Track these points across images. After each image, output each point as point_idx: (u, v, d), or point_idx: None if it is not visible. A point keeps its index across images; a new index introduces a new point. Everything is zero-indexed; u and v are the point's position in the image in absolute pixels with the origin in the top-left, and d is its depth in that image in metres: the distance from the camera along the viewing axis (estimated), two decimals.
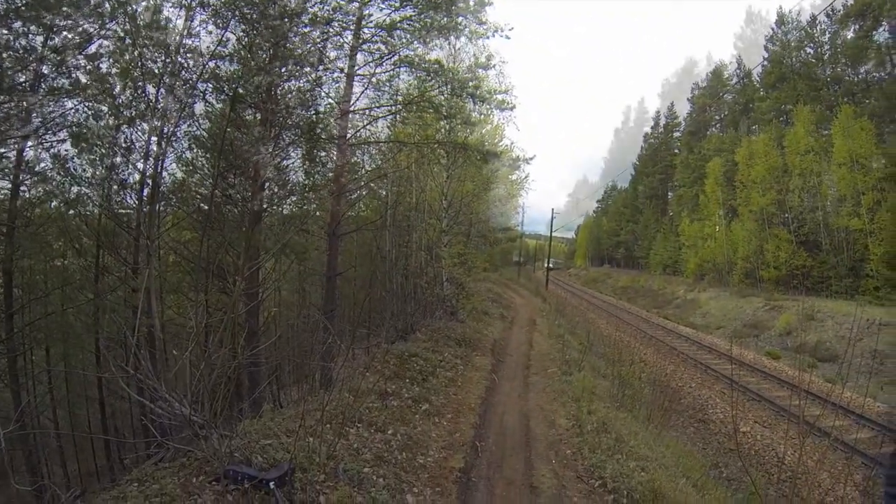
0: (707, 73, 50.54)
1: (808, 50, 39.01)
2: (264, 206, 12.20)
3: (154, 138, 10.68)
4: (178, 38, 10.75)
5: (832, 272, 32.12)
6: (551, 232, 47.16)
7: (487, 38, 13.76)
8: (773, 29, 42.14)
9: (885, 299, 27.18)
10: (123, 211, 11.04)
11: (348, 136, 13.18)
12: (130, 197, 10.93)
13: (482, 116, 16.56)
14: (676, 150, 61.17)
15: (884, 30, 31.43)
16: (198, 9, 11.00)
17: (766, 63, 42.04)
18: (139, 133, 10.74)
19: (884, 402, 15.23)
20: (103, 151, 10.38)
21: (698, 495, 6.59)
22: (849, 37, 34.70)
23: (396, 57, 13.00)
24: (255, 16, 11.10)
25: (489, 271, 37.48)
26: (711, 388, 17.08)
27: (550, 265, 59.88)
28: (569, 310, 29.38)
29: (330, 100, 13.30)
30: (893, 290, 27.27)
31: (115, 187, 10.72)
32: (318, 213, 15.43)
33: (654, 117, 69.02)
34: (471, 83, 13.69)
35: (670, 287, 48.03)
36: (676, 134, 63.43)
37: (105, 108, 10.37)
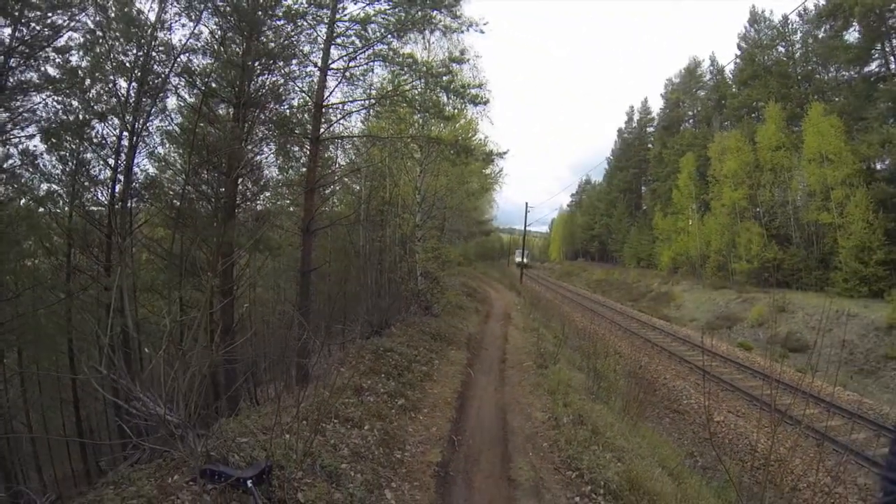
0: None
1: (780, 48, 39.69)
2: (238, 201, 12.08)
3: (125, 133, 10.50)
4: (149, 30, 10.58)
5: (802, 265, 32.84)
6: (525, 226, 47.34)
7: (462, 32, 13.74)
8: (745, 27, 42.81)
9: (853, 291, 27.91)
10: (95, 208, 10.85)
11: (322, 130, 13.07)
12: (102, 194, 10.76)
13: (456, 111, 16.53)
14: (650, 145, 61.80)
15: (854, 30, 32.09)
16: (170, 1, 10.84)
17: (738, 60, 42.74)
18: (110, 128, 10.56)
19: None
20: (73, 147, 10.20)
21: (674, 484, 6.70)
22: (820, 36, 35.37)
23: (370, 51, 12.92)
24: (228, 8, 10.97)
25: (464, 265, 37.56)
26: (686, 378, 17.36)
27: (525, 261, 59.51)
28: (543, 303, 29.64)
29: (303, 94, 13.21)
30: (861, 283, 27.99)
31: (86, 184, 10.54)
32: (291, 209, 15.33)
33: (628, 112, 69.70)
34: (444, 77, 13.66)
35: (644, 280, 48.70)
36: (650, 129, 64.09)
37: (75, 103, 10.19)
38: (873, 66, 31.68)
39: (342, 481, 4.70)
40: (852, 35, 32.50)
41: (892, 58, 30.27)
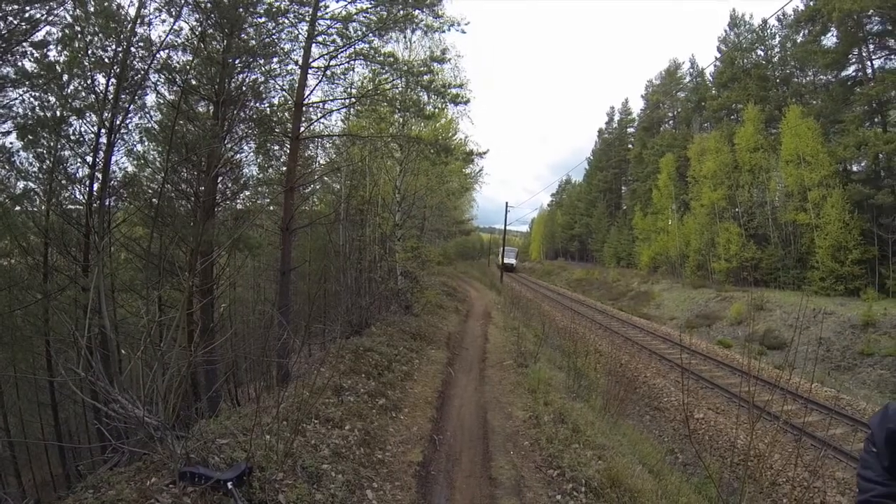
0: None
1: (759, 52, 40.30)
2: (217, 200, 11.97)
3: (103, 131, 10.34)
4: (129, 26, 10.42)
5: (780, 264, 33.40)
6: (505, 225, 47.47)
7: (443, 31, 13.79)
8: (725, 31, 43.35)
9: (829, 289, 28.45)
10: (72, 207, 10.67)
11: (302, 129, 13.02)
12: (79, 192, 10.58)
13: (436, 110, 16.55)
14: (630, 146, 62.34)
15: (832, 35, 32.65)
16: None
17: (718, 63, 43.26)
18: (88, 125, 10.39)
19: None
20: (50, 144, 10.02)
21: (655, 481, 6.76)
22: (799, 40, 35.99)
23: (352, 49, 12.89)
24: (208, 5, 10.86)
25: (444, 265, 37.52)
26: (666, 376, 17.53)
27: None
28: (524, 302, 29.74)
29: (284, 92, 13.15)
30: (837, 281, 28.53)
31: (64, 182, 10.36)
32: (271, 208, 15.24)
33: (609, 113, 70.39)
34: (425, 77, 13.67)
35: (624, 279, 49.14)
36: (630, 130, 64.68)
37: (52, 99, 10.01)
38: (850, 71, 32.36)
39: (323, 482, 4.69)
40: (830, 40, 33.18)
41: (868, 62, 30.89)
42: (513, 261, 66.46)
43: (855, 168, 31.64)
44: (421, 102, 14.36)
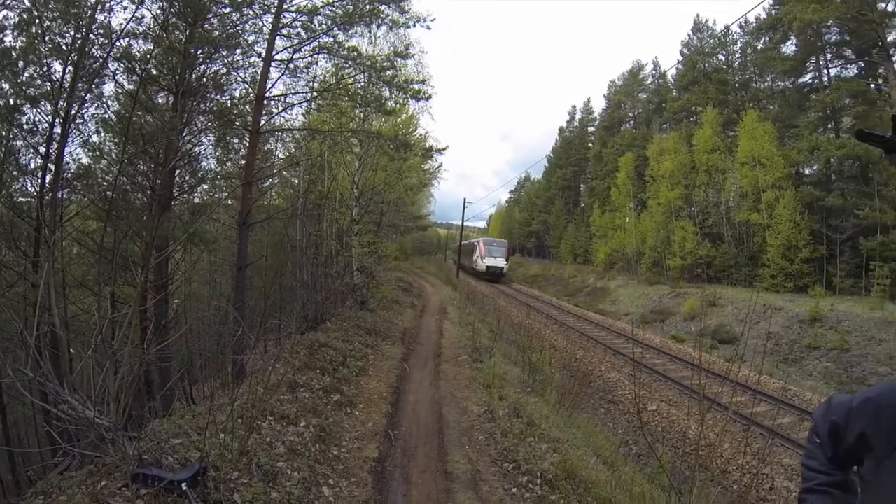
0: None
1: (721, 56, 41.40)
2: (174, 193, 11.76)
3: (58, 120, 10.04)
4: (89, 12, 10.12)
5: (733, 262, 34.48)
6: (462, 221, 47.38)
7: (409, 27, 13.78)
8: (689, 35, 44.28)
9: (779, 286, 29.51)
10: (23, 199, 10.35)
11: (262, 122, 12.86)
12: (31, 184, 10.27)
13: (398, 106, 16.53)
14: (590, 144, 63.13)
15: (791, 43, 33.75)
16: None
17: (679, 66, 44.17)
18: (42, 114, 10.08)
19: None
20: (2, 134, 9.71)
21: (609, 472, 6.90)
22: (759, 47, 37.18)
23: (316, 43, 12.76)
24: None
25: (400, 260, 37.47)
26: (621, 370, 17.88)
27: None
28: (479, 298, 29.88)
29: (245, 85, 12.94)
30: (787, 279, 29.62)
31: (15, 173, 10.04)
32: (229, 202, 15.01)
33: (570, 112, 71.13)
34: (388, 72, 13.66)
35: (581, 275, 49.71)
36: (591, 129, 65.45)
37: (6, 86, 9.68)
38: (807, 78, 33.74)
39: (279, 480, 4.70)
40: (789, 48, 34.41)
41: (825, 71, 32.18)
42: (502, 262, 48.35)
43: (807, 171, 33.10)
44: (383, 98, 14.33)
